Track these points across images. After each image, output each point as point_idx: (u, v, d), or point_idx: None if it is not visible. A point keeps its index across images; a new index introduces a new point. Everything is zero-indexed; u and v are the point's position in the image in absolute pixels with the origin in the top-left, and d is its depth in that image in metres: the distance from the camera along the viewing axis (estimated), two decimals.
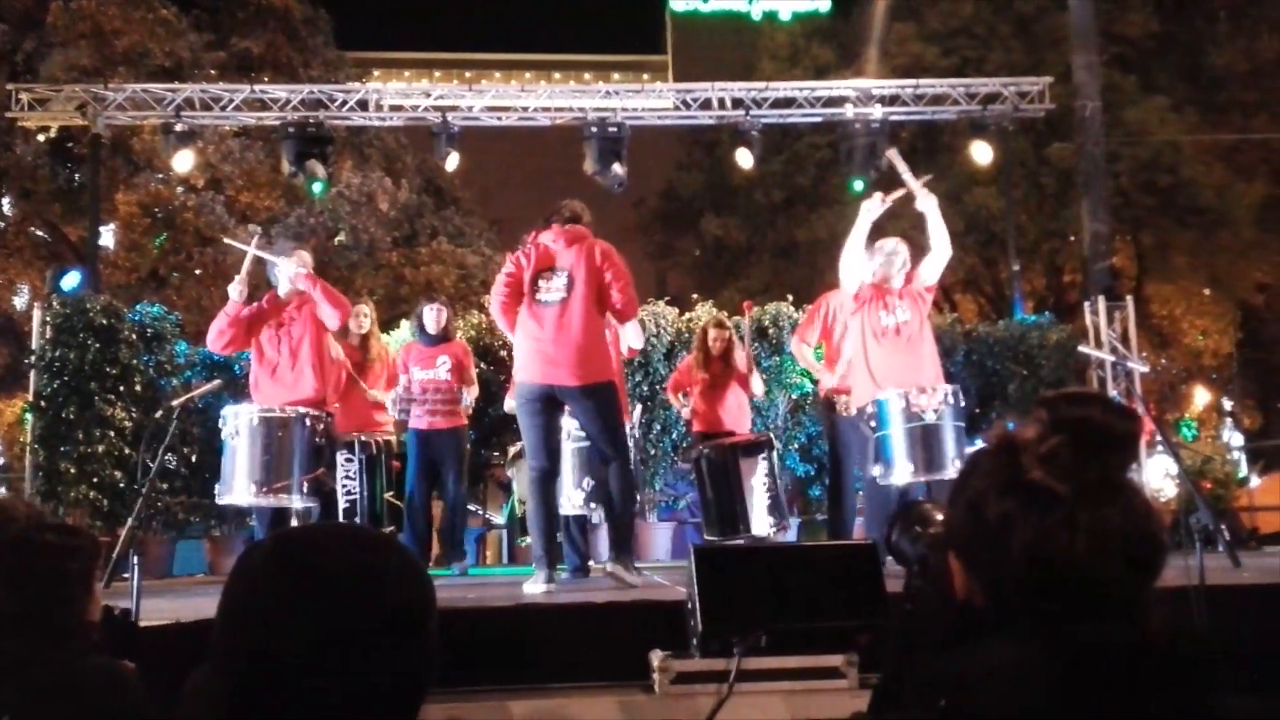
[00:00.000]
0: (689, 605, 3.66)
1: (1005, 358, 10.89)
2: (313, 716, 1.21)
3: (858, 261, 6.64)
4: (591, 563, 7.44)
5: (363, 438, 7.52)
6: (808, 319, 7.68)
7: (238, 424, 6.31)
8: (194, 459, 10.13)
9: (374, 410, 7.99)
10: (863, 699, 3.48)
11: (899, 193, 6.71)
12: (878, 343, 6.55)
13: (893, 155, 7.00)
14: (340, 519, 6.84)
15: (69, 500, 9.54)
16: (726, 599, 3.56)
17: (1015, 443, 1.42)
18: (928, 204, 6.65)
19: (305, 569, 1.26)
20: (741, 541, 7.49)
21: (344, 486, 7.12)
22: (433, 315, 8.29)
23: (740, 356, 8.03)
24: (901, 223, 8.11)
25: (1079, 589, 1.34)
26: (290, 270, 6.65)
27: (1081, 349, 10.13)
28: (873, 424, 6.40)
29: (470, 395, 8.18)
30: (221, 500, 6.48)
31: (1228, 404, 27.19)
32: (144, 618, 3.52)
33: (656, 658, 3.51)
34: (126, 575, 5.12)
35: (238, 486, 6.26)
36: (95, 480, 9.64)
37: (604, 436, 5.70)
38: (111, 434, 9.77)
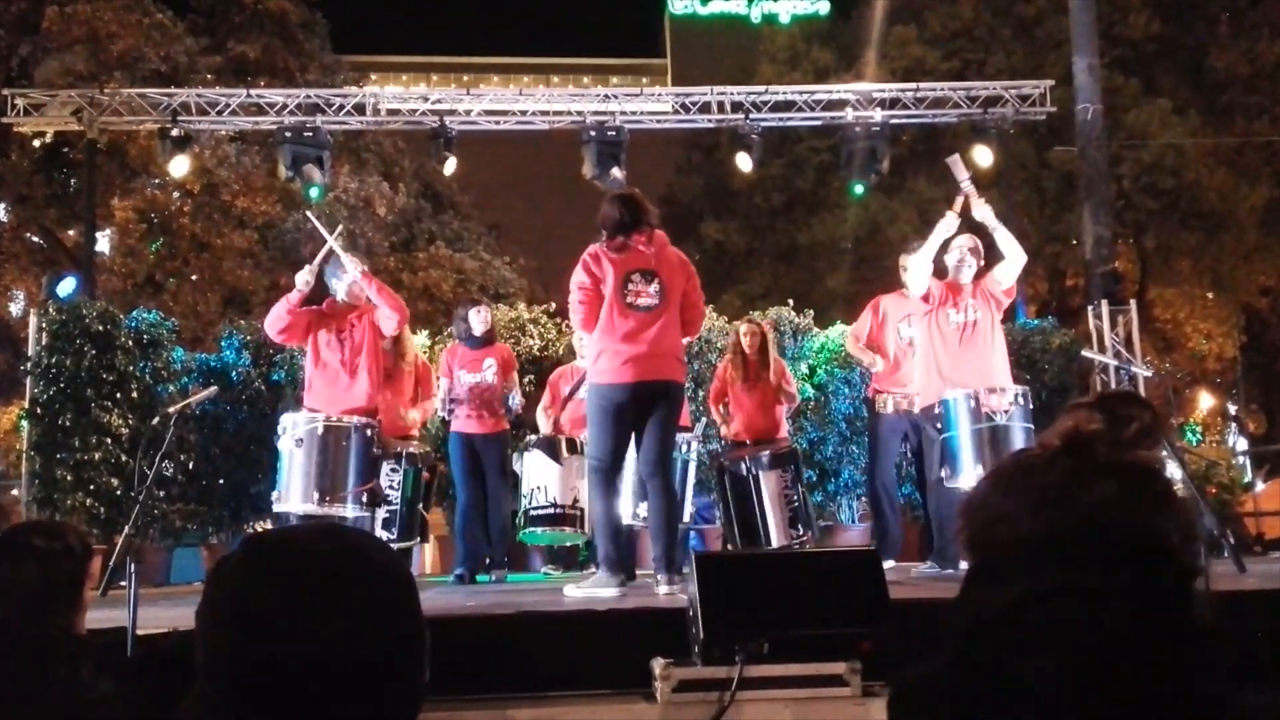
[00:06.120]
0: (691, 612, 3.62)
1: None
2: (314, 716, 1.18)
3: (926, 273, 6.60)
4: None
5: (409, 449, 7.46)
6: (861, 319, 7.65)
7: (299, 433, 6.25)
8: (191, 466, 10.10)
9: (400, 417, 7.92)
10: (866, 706, 3.44)
11: (960, 201, 6.71)
12: (946, 342, 6.50)
13: (954, 163, 6.94)
14: (380, 528, 6.88)
15: (66, 508, 9.49)
16: (729, 606, 3.52)
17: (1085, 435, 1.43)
18: (984, 213, 6.61)
19: (283, 567, 1.24)
20: None
21: (387, 497, 7.09)
22: (479, 317, 8.07)
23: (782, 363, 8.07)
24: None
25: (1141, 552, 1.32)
26: (353, 269, 6.63)
27: (1084, 353, 10.09)
28: (939, 425, 6.32)
29: (517, 397, 8.05)
30: (278, 508, 6.39)
31: (1232, 408, 27.17)
32: (141, 626, 3.47)
33: (658, 665, 3.46)
34: (123, 583, 5.06)
35: (297, 495, 6.21)
36: (92, 487, 9.59)
37: (665, 440, 5.61)
38: (108, 441, 9.72)
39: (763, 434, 7.83)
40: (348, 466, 6.27)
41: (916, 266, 6.67)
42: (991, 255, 6.80)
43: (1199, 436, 25.58)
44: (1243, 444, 24.42)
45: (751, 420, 7.89)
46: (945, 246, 6.73)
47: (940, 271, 6.76)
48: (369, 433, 6.39)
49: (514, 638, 4.04)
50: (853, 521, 10.66)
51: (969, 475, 6.10)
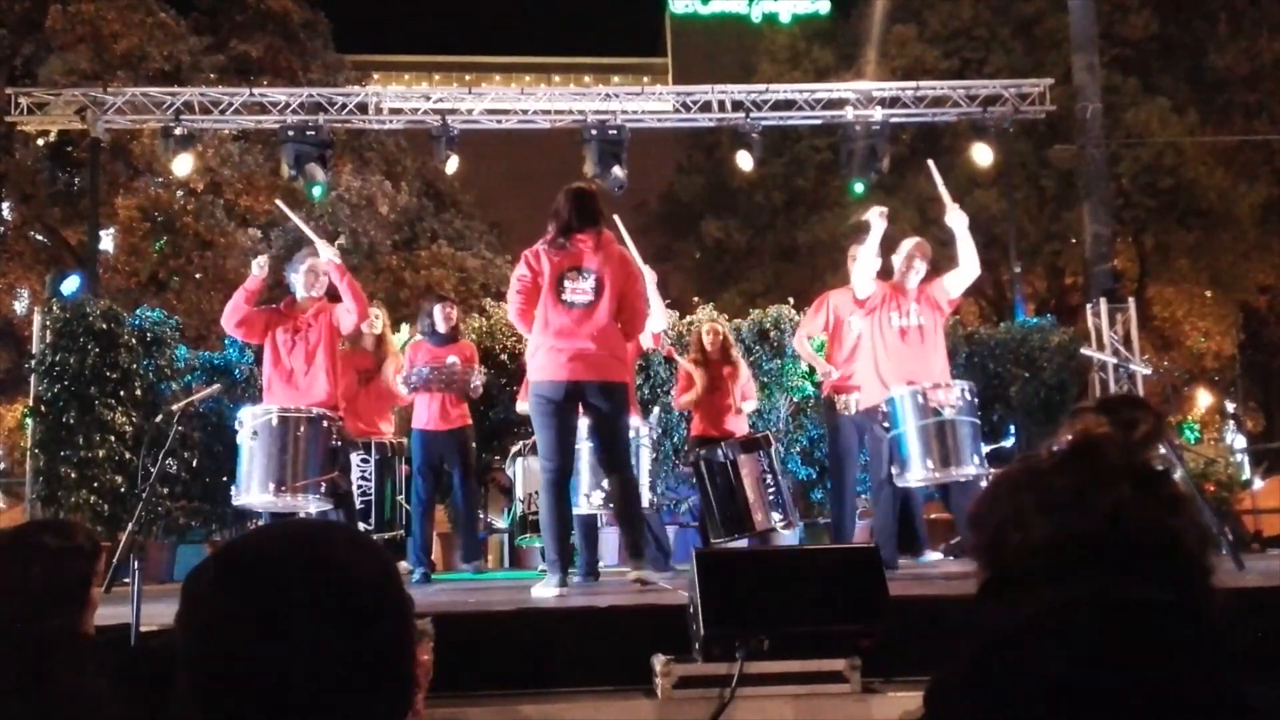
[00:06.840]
0: (691, 609, 3.63)
1: (1007, 360, 10.86)
2: None
3: (869, 272, 6.70)
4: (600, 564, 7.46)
5: (380, 439, 7.47)
6: (810, 316, 7.71)
7: (255, 424, 6.24)
8: (194, 463, 10.11)
9: (379, 416, 7.94)
10: (866, 702, 3.47)
11: (881, 211, 6.82)
12: (886, 344, 6.58)
13: (931, 166, 7.09)
14: (356, 521, 6.84)
15: (69, 505, 9.51)
16: (729, 603, 3.53)
17: (1099, 440, 1.44)
18: (957, 220, 6.69)
19: (255, 577, 1.21)
20: (748, 540, 7.53)
21: (359, 487, 7.06)
22: (443, 313, 8.15)
23: (742, 367, 8.14)
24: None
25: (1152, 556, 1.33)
26: (327, 253, 6.64)
27: (1083, 351, 10.11)
28: (886, 424, 6.39)
29: (480, 378, 8.05)
30: (238, 501, 6.38)
31: (1230, 406, 27.17)
32: (144, 623, 3.51)
33: (659, 662, 3.49)
34: (127, 580, 5.09)
35: (255, 487, 6.18)
36: (96, 485, 9.60)
37: (614, 438, 5.67)
38: (112, 438, 9.73)
39: (725, 431, 7.92)
40: (304, 456, 6.22)
41: (859, 269, 6.78)
42: (943, 262, 6.89)
43: (1197, 434, 25.54)
44: (1241, 442, 24.42)
45: (714, 418, 7.97)
46: (894, 248, 6.83)
47: (888, 273, 6.84)
48: (326, 423, 6.33)
49: (515, 635, 4.06)
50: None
51: (918, 471, 6.18)
